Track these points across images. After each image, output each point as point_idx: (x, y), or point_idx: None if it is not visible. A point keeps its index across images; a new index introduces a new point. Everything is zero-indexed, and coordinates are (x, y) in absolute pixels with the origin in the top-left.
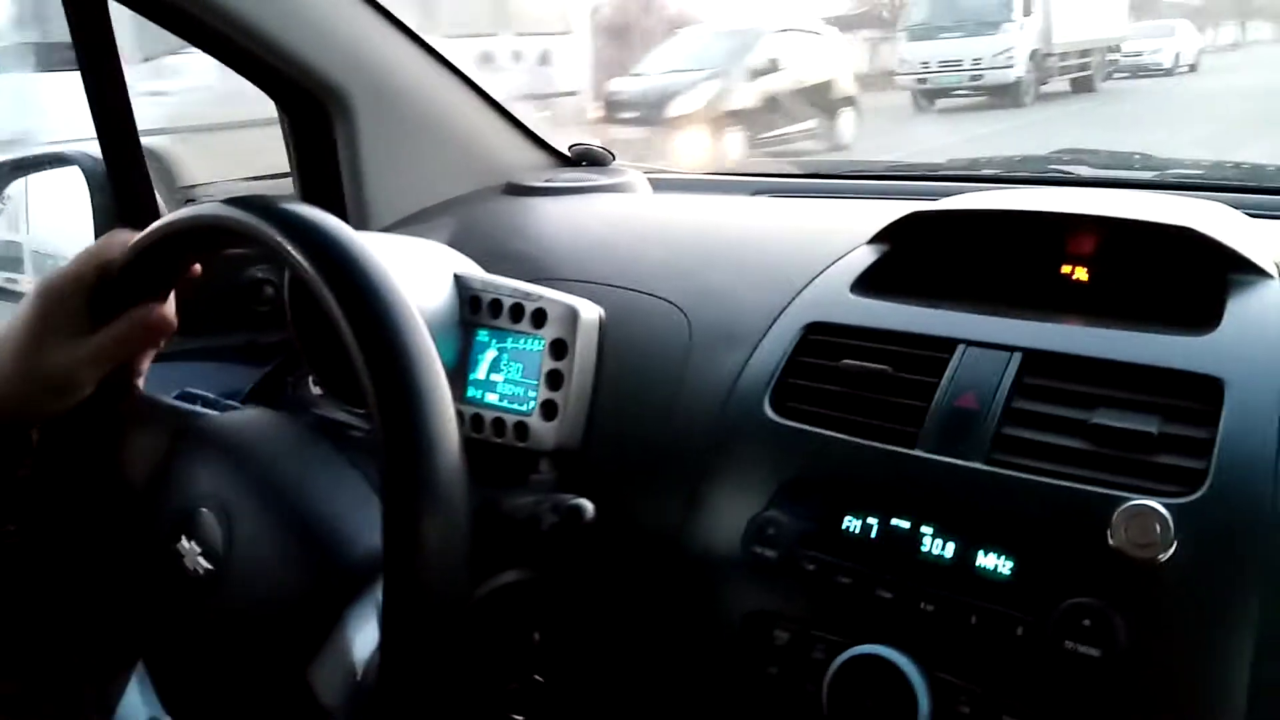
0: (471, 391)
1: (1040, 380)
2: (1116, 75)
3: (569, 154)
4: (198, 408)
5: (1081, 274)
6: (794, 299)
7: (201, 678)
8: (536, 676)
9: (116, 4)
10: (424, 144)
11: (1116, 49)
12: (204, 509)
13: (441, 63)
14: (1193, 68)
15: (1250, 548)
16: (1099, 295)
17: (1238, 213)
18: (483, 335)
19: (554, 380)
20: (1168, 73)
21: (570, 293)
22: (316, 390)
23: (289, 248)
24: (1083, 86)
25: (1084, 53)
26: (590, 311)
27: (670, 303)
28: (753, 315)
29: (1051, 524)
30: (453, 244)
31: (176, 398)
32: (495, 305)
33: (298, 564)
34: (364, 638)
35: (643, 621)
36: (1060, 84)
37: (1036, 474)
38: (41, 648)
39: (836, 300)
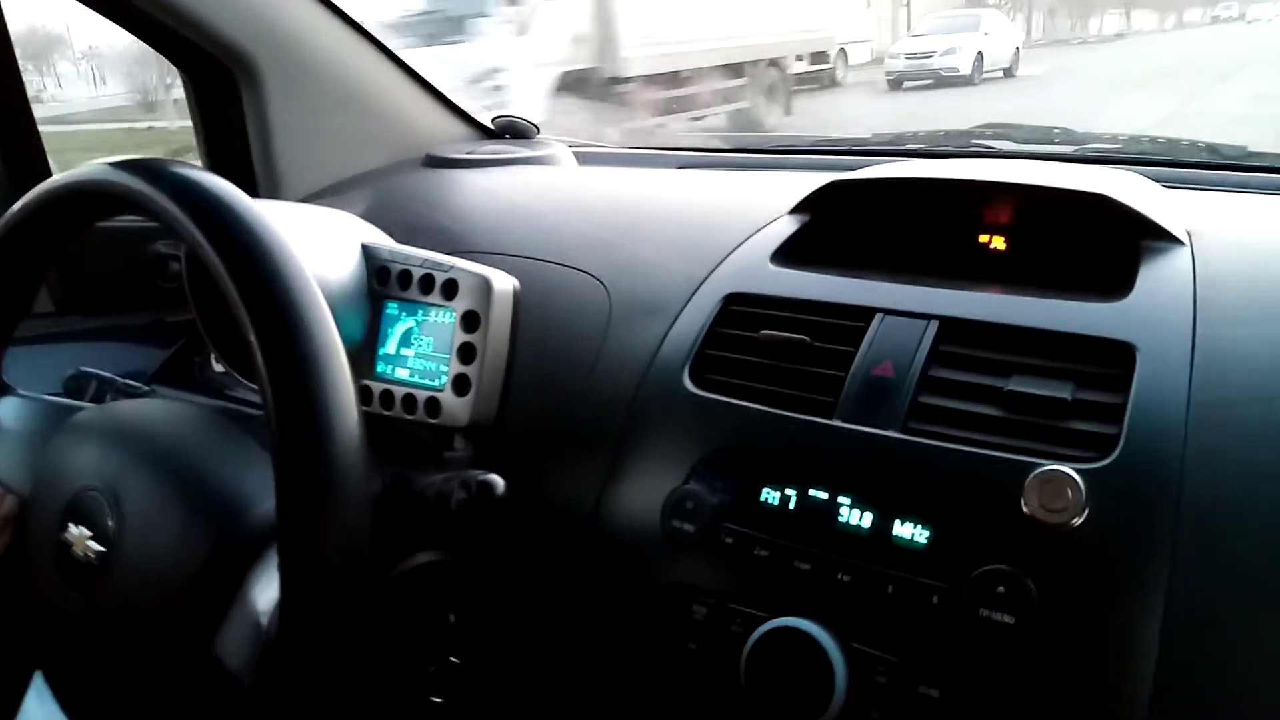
0: (381, 367)
1: (956, 348)
2: (909, 84)
3: (492, 126)
4: (76, 401)
5: (999, 243)
6: (714, 270)
7: (103, 675)
8: (453, 658)
9: None
10: (338, 114)
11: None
12: (89, 492)
13: (358, 31)
14: (1007, 72)
15: (1160, 511)
16: (1015, 264)
17: (1151, 182)
18: (392, 308)
19: (466, 354)
20: (967, 80)
21: (488, 265)
22: (221, 369)
23: (178, 214)
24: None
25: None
26: (504, 282)
27: (590, 275)
28: (673, 287)
29: (967, 492)
30: (369, 217)
31: (70, 377)
32: (405, 276)
33: (193, 534)
34: (266, 595)
35: (560, 599)
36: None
37: (952, 442)
38: None
39: (756, 271)
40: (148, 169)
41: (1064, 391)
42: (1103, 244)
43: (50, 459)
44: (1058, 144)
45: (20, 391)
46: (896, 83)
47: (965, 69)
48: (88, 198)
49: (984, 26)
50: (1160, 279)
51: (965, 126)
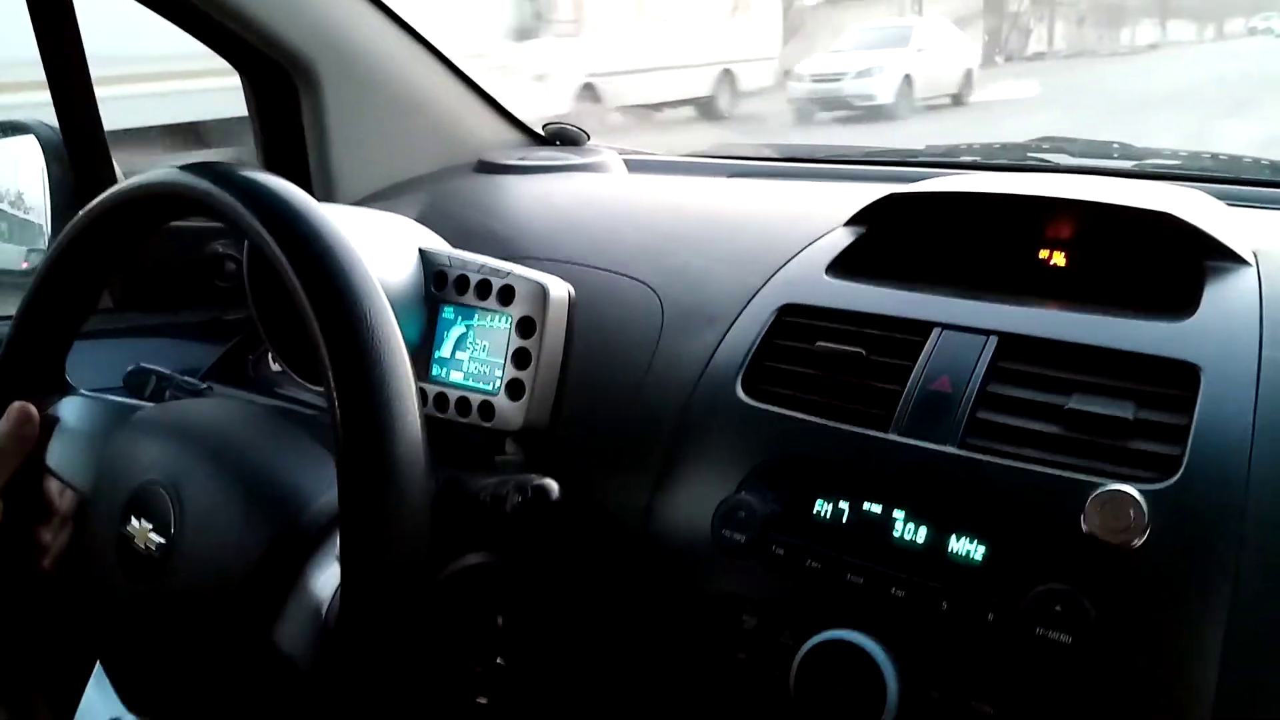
0: (436, 370)
1: (1016, 364)
2: (825, 115)
3: (543, 132)
4: (135, 400)
5: (1059, 259)
6: (768, 280)
7: (162, 664)
8: (500, 660)
9: None
10: (393, 119)
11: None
12: (151, 485)
13: (414, 36)
14: (957, 99)
15: (1223, 534)
16: (1076, 280)
17: (1216, 200)
18: (448, 312)
19: (521, 359)
20: (887, 114)
21: (541, 271)
22: (276, 368)
23: (247, 215)
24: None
25: None
26: (559, 289)
27: (643, 283)
28: (726, 296)
29: (1024, 509)
30: (422, 221)
31: (131, 373)
32: (461, 281)
33: (252, 526)
34: (324, 582)
35: (608, 605)
36: None
37: (1010, 459)
38: None
39: (811, 282)
40: (217, 172)
41: (1126, 411)
42: (1166, 262)
43: (112, 455)
44: (1116, 159)
45: (82, 391)
46: (805, 113)
47: (884, 96)
48: (158, 200)
49: (917, 41)
50: (1226, 299)
51: (1021, 140)
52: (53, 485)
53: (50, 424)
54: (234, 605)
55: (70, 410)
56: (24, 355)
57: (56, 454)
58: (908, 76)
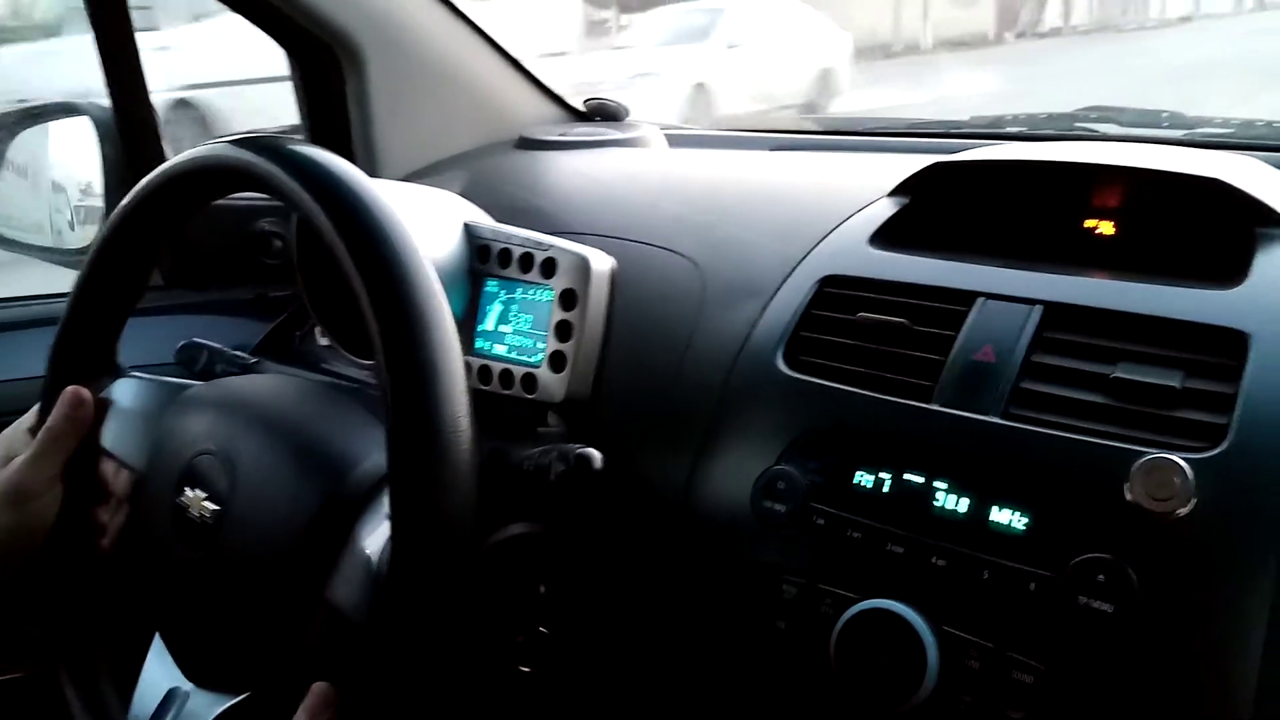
0: (479, 343)
1: (1061, 334)
2: None
3: (583, 108)
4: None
5: (1106, 227)
6: (810, 252)
7: (219, 632)
8: (542, 629)
9: None
10: (436, 96)
11: None
12: (203, 455)
13: (455, 13)
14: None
15: (1270, 503)
16: (1123, 249)
17: (1268, 167)
18: (491, 285)
19: (563, 331)
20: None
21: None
22: (324, 343)
23: (297, 189)
24: None
25: None
26: (602, 262)
27: (683, 256)
28: (767, 268)
29: (1068, 478)
30: (464, 197)
31: (182, 347)
32: (505, 255)
33: (303, 489)
34: (375, 539)
35: (650, 574)
36: None
37: (1054, 429)
38: (51, 632)
39: (854, 253)
40: (266, 146)
41: (1173, 379)
42: (1216, 230)
43: (165, 431)
44: (1166, 128)
45: (133, 372)
46: None
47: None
48: (209, 175)
49: (726, 33)
50: (1277, 267)
51: (1068, 110)
52: (108, 466)
53: (104, 406)
54: (288, 564)
55: (123, 391)
56: (78, 337)
57: (111, 435)
58: (700, 86)
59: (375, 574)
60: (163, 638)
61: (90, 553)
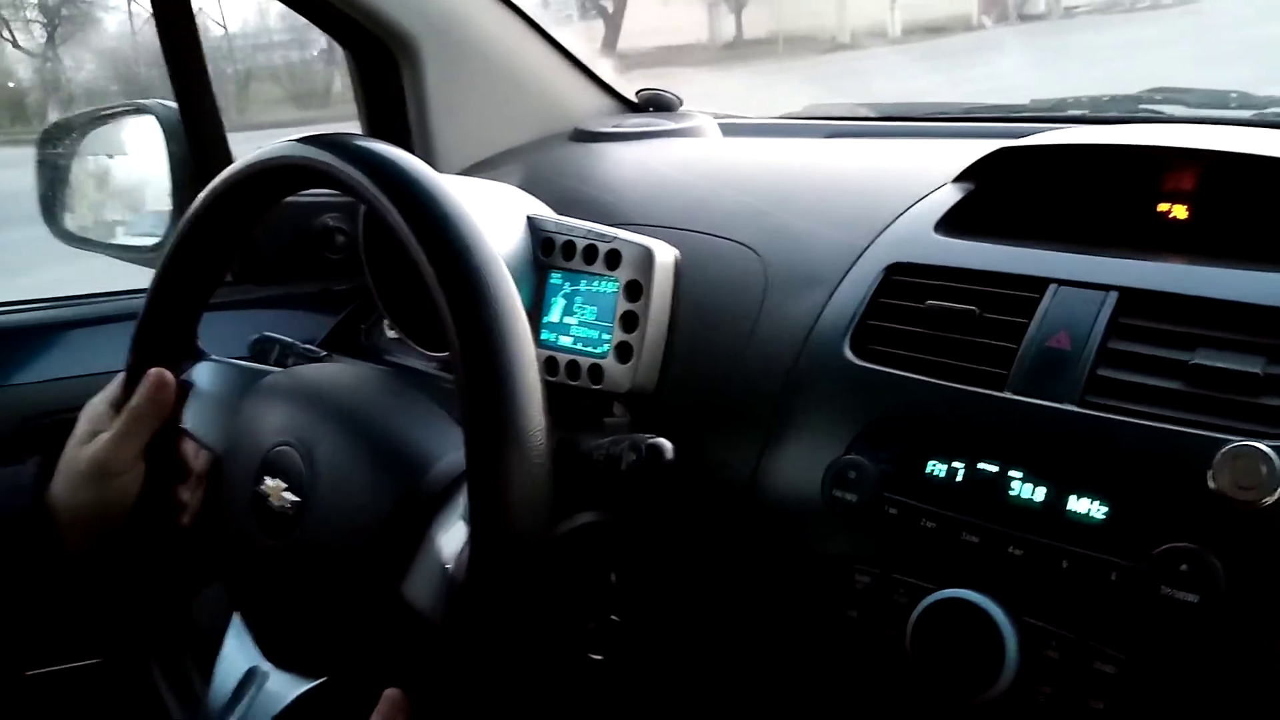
0: (545, 335)
1: (1137, 320)
2: None
3: (636, 99)
4: (263, 366)
5: (1180, 211)
6: (874, 240)
7: (296, 617)
8: (613, 616)
9: None
10: (491, 90)
11: None
12: (284, 446)
13: (509, 7)
14: None
15: None
16: (1199, 233)
17: None
18: (556, 278)
19: (629, 322)
20: None
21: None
22: (392, 335)
23: (369, 185)
24: None
25: None
26: (666, 253)
27: (745, 245)
28: (831, 257)
29: (1148, 467)
30: (523, 190)
31: (255, 341)
32: (569, 247)
33: (381, 485)
34: (449, 539)
35: (720, 563)
36: None
37: (1132, 416)
38: (133, 610)
39: (920, 240)
40: (337, 144)
41: (1255, 366)
42: None
43: (245, 418)
44: (1235, 108)
45: (213, 357)
46: None
47: None
48: (282, 173)
49: None
50: None
51: (1133, 91)
52: (189, 446)
53: (185, 389)
54: (363, 560)
55: (203, 375)
56: (159, 324)
57: (191, 417)
58: None
59: (451, 576)
60: (243, 618)
61: (171, 530)
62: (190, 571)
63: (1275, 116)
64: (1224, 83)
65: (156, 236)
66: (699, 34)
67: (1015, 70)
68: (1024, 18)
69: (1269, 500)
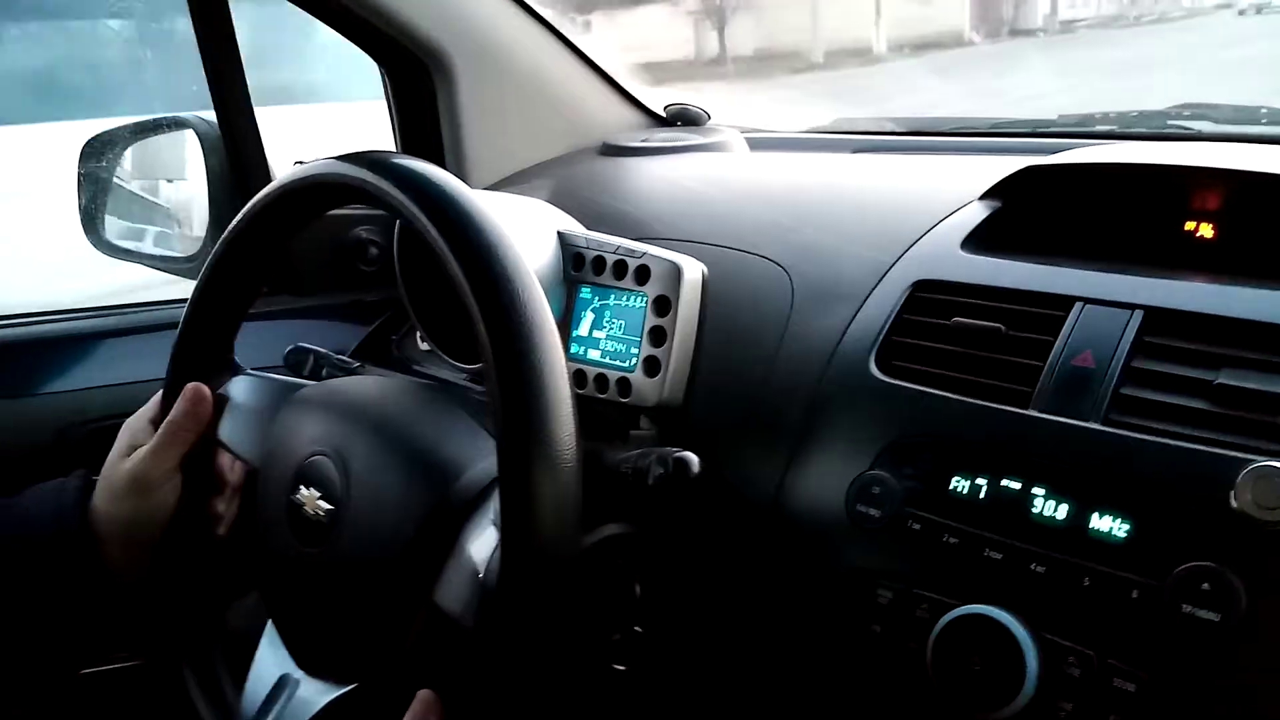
0: (574, 348)
1: (1162, 339)
2: None
3: (664, 114)
4: (297, 379)
5: (1207, 230)
6: (901, 256)
7: (330, 625)
8: (638, 628)
9: None
10: (523, 105)
11: None
12: (319, 456)
13: (539, 22)
14: None
15: None
16: (1225, 252)
17: None
18: (585, 292)
19: (657, 337)
20: None
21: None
22: (424, 347)
23: (405, 202)
24: None
25: None
26: (694, 269)
27: (772, 260)
28: (857, 273)
29: (1171, 486)
30: (552, 204)
31: (290, 352)
32: (598, 262)
33: (414, 494)
34: (482, 548)
35: (744, 576)
36: None
37: (1156, 435)
38: (171, 618)
39: (946, 257)
40: (375, 161)
41: (1278, 386)
42: None
43: (280, 430)
44: (1265, 124)
45: (249, 370)
46: None
47: None
48: (321, 189)
49: None
50: None
51: (1161, 107)
52: (225, 459)
53: (221, 402)
54: (397, 567)
55: (239, 388)
56: (197, 339)
57: (228, 429)
58: None
59: (482, 581)
60: (276, 626)
61: (207, 541)
62: (226, 581)
63: None
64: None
65: (194, 249)
66: (685, 50)
67: (1004, 89)
68: (1015, 33)
69: None
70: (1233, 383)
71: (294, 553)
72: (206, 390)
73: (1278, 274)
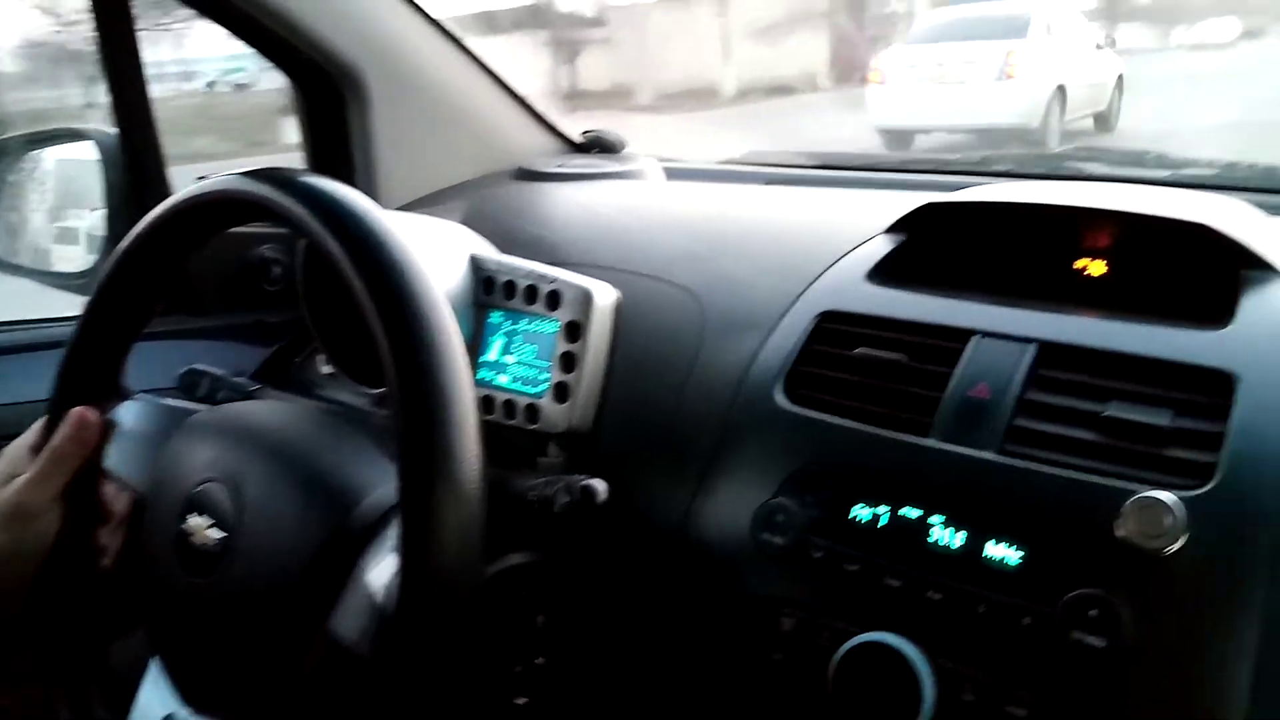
0: (483, 373)
1: (1055, 372)
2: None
3: (580, 140)
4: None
5: (1097, 268)
6: (808, 287)
7: (220, 659)
8: (540, 659)
9: None
10: (436, 126)
11: None
12: (210, 482)
13: (456, 45)
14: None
15: (1258, 541)
16: (1114, 289)
17: (1254, 209)
18: (495, 317)
19: (567, 362)
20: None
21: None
22: (325, 370)
23: (310, 219)
24: None
25: None
26: (606, 294)
27: (683, 288)
28: (766, 302)
29: (1061, 515)
30: (465, 227)
31: (184, 374)
32: (509, 287)
33: (310, 520)
34: (379, 573)
35: (648, 605)
36: None
37: (1048, 465)
38: (48, 655)
39: (851, 289)
40: (279, 178)
41: (1162, 418)
42: (1203, 272)
43: (170, 456)
44: (1151, 168)
45: (139, 395)
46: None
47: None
48: (222, 205)
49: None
50: (1262, 309)
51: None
52: (110, 487)
53: (109, 428)
54: (292, 595)
55: (129, 413)
56: (85, 360)
57: (115, 456)
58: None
59: (380, 608)
60: (162, 662)
61: (90, 574)
62: (109, 616)
63: (1188, 177)
64: None
65: (87, 264)
66: (539, 82)
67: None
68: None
69: (1172, 548)
70: (1120, 415)
71: (182, 584)
72: (92, 415)
73: (1163, 310)
